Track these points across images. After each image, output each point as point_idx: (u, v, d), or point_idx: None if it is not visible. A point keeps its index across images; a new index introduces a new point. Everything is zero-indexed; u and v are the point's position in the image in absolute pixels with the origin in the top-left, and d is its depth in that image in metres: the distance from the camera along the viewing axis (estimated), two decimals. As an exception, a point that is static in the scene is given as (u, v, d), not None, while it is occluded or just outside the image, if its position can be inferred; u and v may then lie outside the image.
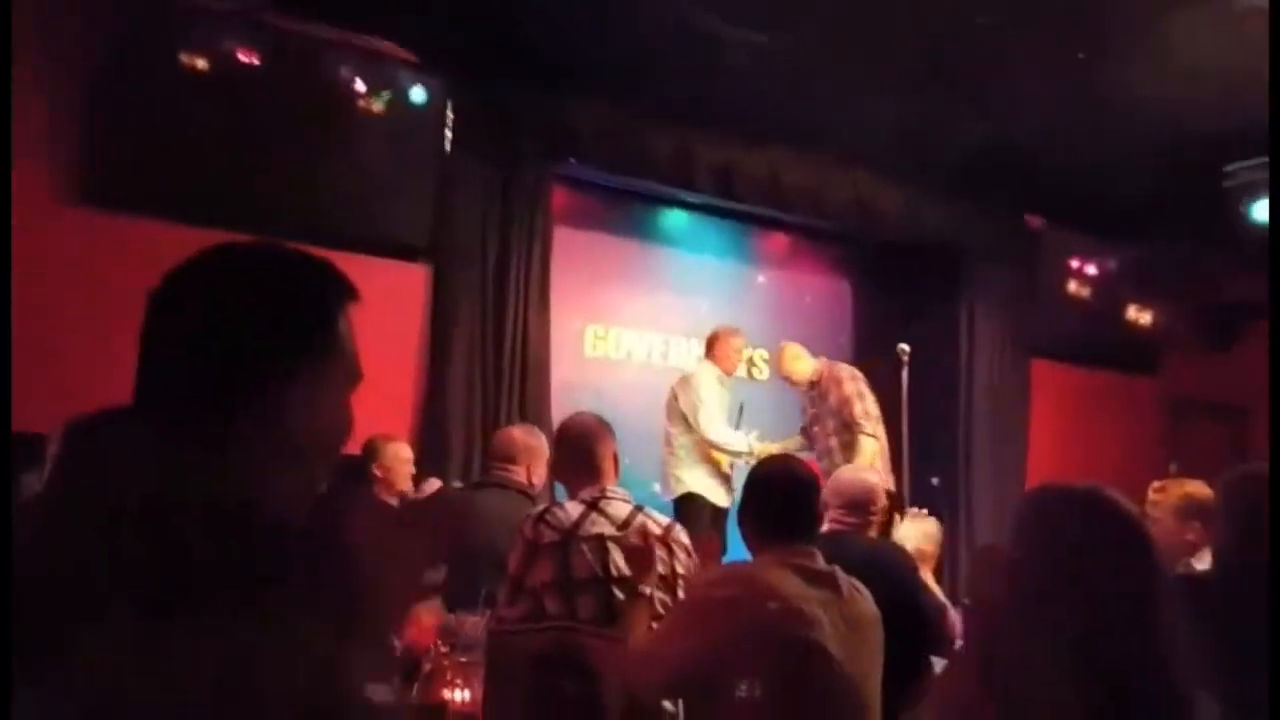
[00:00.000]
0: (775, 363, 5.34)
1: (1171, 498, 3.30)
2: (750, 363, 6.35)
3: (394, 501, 3.89)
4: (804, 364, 5.15)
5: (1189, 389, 7.40)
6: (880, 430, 4.91)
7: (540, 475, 3.37)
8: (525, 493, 3.28)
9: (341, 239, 4.66)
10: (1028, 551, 1.58)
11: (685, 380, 5.06)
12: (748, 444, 4.90)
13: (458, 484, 4.34)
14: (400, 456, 3.98)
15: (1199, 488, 3.26)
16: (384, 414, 4.58)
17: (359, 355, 0.95)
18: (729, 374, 5.15)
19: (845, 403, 4.92)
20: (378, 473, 3.89)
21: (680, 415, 4.96)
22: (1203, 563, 3.07)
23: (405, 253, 4.85)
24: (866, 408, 4.89)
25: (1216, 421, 7.69)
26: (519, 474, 3.31)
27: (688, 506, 4.82)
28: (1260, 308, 7.30)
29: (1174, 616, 1.51)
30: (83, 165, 4.16)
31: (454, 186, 4.89)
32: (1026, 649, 1.48)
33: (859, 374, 5.06)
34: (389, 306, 4.87)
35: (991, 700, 1.48)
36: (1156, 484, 3.43)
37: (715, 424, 4.90)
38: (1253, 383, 7.68)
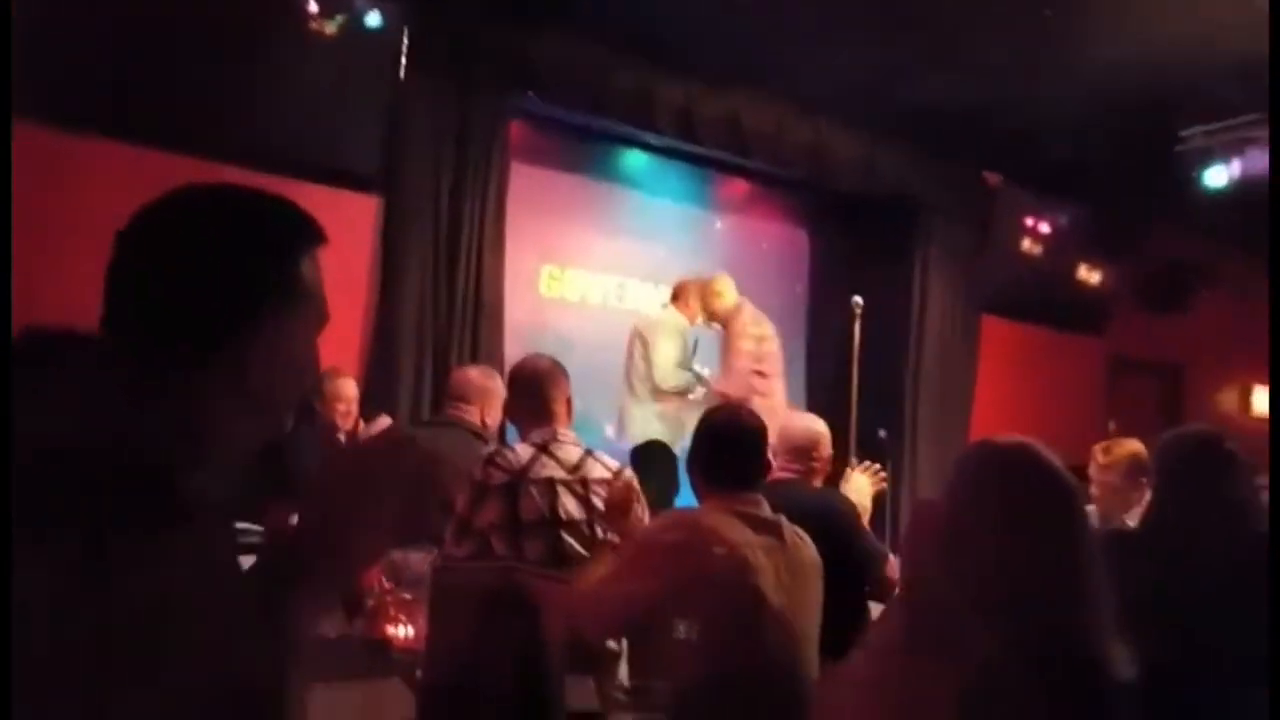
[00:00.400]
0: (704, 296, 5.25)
1: (1120, 457, 3.39)
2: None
3: (341, 438, 3.85)
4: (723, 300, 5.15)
5: (1131, 348, 7.57)
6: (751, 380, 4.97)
7: (495, 417, 3.35)
8: (478, 434, 3.26)
9: (287, 165, 4.52)
10: (958, 504, 1.61)
11: (649, 325, 5.09)
12: (693, 379, 4.98)
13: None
14: (337, 393, 3.92)
15: (1141, 446, 3.35)
16: (328, 350, 4.50)
17: (325, 297, 0.97)
18: (691, 324, 5.16)
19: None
20: (319, 407, 3.84)
21: (642, 359, 4.99)
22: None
23: (354, 183, 4.73)
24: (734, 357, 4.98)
25: (1154, 379, 7.90)
26: (473, 414, 3.28)
27: (648, 450, 4.86)
28: (1204, 271, 7.48)
29: (1098, 570, 1.55)
30: (16, 80, 3.97)
31: (408, 117, 4.75)
32: (953, 599, 1.52)
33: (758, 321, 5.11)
34: (336, 238, 4.74)
35: (918, 647, 1.51)
36: (1102, 444, 3.52)
37: (668, 372, 4.94)
38: (1191, 342, 7.90)
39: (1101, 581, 1.55)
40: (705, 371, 5.07)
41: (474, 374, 3.45)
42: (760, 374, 5.00)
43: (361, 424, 3.93)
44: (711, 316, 5.15)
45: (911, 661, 1.50)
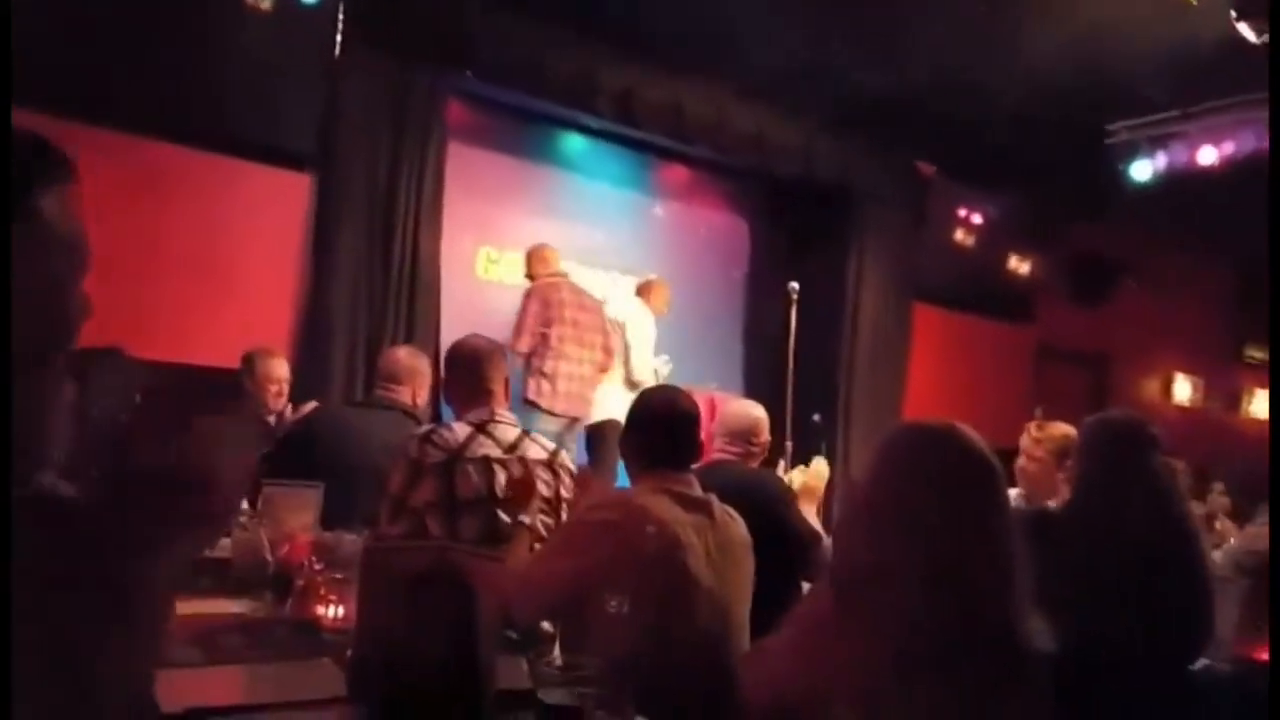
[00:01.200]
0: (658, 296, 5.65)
1: (1050, 439, 3.47)
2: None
3: (271, 419, 3.78)
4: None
5: (1058, 337, 7.78)
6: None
7: (423, 397, 3.35)
8: (410, 414, 3.24)
9: (220, 142, 4.43)
10: (883, 481, 1.65)
11: (632, 320, 5.41)
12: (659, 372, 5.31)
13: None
14: (269, 374, 3.85)
15: (1070, 431, 3.45)
16: (261, 329, 4.43)
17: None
18: (658, 316, 5.49)
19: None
20: (250, 388, 3.77)
21: (622, 346, 5.29)
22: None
23: (289, 160, 4.64)
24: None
25: (1080, 368, 8.13)
26: (404, 395, 3.26)
27: (600, 429, 5.00)
28: (1128, 264, 7.71)
29: (1018, 546, 1.60)
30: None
31: (343, 93, 4.68)
32: (879, 572, 1.55)
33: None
34: (269, 215, 4.68)
35: (846, 619, 1.54)
36: (1034, 424, 3.61)
37: (645, 368, 5.32)
38: (1115, 333, 8.15)
39: (1021, 557, 1.60)
40: (666, 368, 5.41)
41: (403, 354, 3.42)
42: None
43: (290, 407, 3.87)
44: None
45: (839, 633, 1.54)
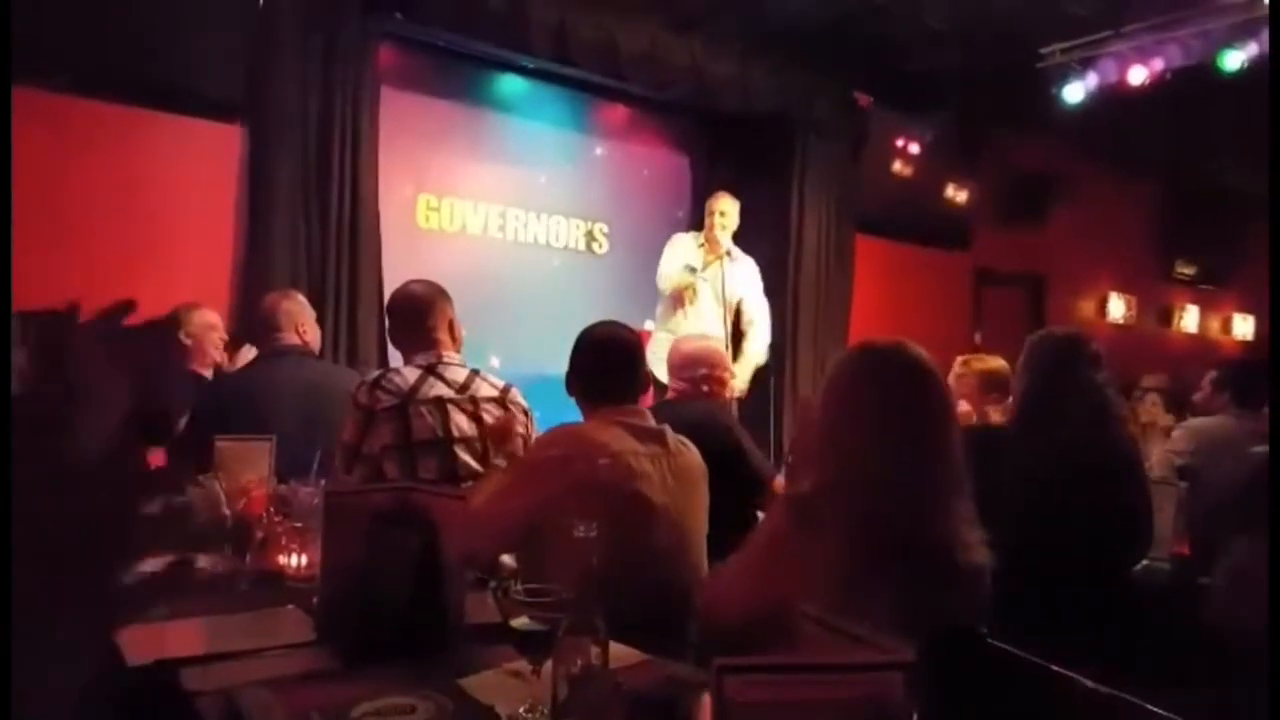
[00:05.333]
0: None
1: (974, 372, 3.59)
2: (590, 236, 6.34)
3: (207, 373, 3.73)
4: None
5: (995, 261, 7.94)
6: None
7: (312, 334, 3.28)
8: (304, 352, 3.21)
9: (143, 92, 4.29)
10: (833, 397, 1.69)
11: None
12: (689, 273, 4.99)
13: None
14: (207, 323, 3.80)
15: (998, 363, 3.57)
16: (198, 284, 4.34)
17: None
18: (708, 243, 5.08)
19: None
20: (187, 342, 3.71)
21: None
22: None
23: (216, 110, 4.50)
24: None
25: (1018, 290, 8.32)
26: (289, 337, 3.19)
27: None
28: (1060, 184, 7.86)
29: (960, 460, 1.66)
30: None
31: (270, 39, 4.52)
32: (830, 486, 1.60)
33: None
34: (200, 169, 4.55)
35: (802, 532, 1.59)
36: (960, 359, 3.71)
37: (664, 276, 5.09)
38: (1050, 254, 8.33)
39: (963, 470, 1.66)
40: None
41: (269, 300, 3.31)
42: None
43: (224, 356, 3.84)
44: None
45: (795, 548, 1.59)
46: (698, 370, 3.29)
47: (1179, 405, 5.00)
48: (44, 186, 3.98)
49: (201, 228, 4.56)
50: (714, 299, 5.02)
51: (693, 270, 4.99)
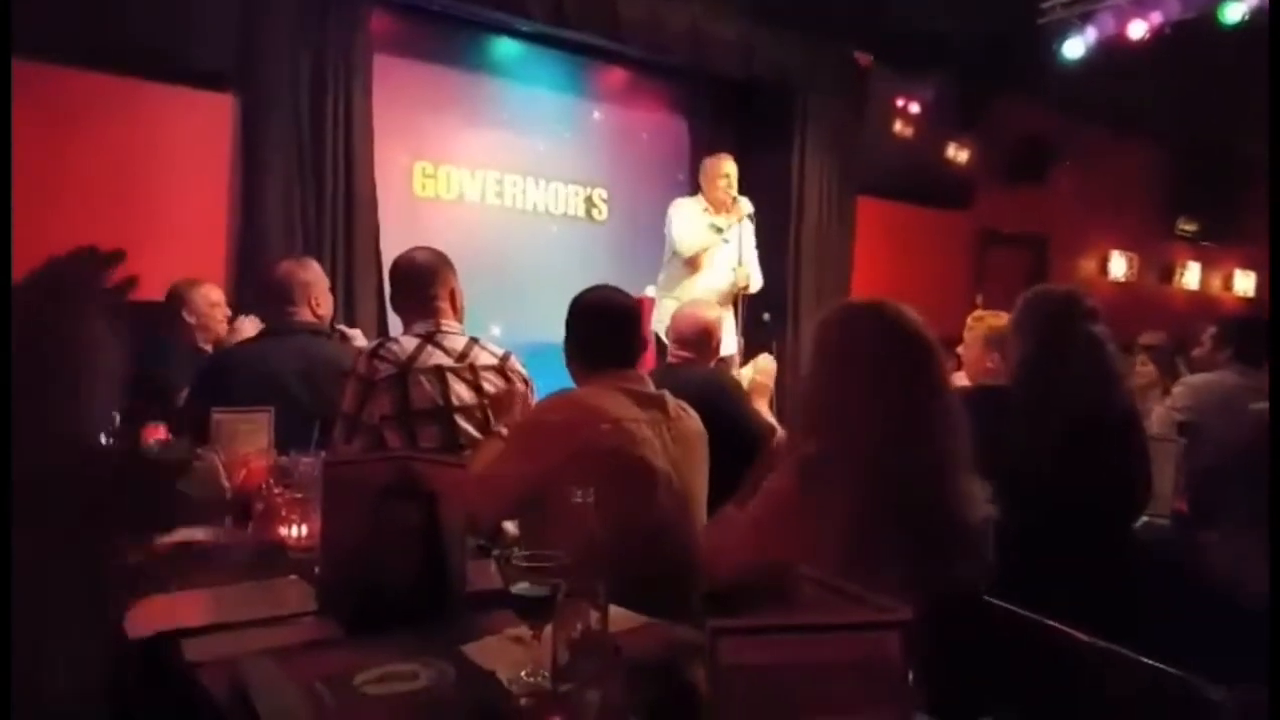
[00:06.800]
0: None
1: (979, 329, 3.58)
2: (589, 202, 6.30)
3: (208, 348, 3.72)
4: None
5: (997, 221, 7.89)
6: None
7: (325, 305, 3.11)
8: (319, 331, 3.06)
9: (134, 64, 4.24)
10: (825, 362, 1.69)
11: (671, 208, 5.02)
12: (712, 231, 4.87)
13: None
14: (210, 300, 3.78)
15: (1002, 321, 3.56)
16: (192, 255, 4.33)
17: None
18: (714, 205, 4.94)
19: None
20: (190, 319, 3.69)
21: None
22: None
23: (208, 80, 4.46)
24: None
25: (1020, 249, 8.29)
26: (303, 313, 3.02)
27: None
28: (1061, 143, 7.79)
29: (957, 415, 1.66)
30: None
31: (261, 6, 4.48)
32: (831, 447, 1.60)
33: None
34: (192, 140, 4.52)
35: (806, 492, 1.60)
36: (972, 315, 3.70)
37: (683, 240, 4.87)
38: (1052, 213, 8.28)
39: (961, 425, 1.66)
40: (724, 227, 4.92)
41: (284, 269, 3.11)
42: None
43: (228, 327, 3.83)
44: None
45: (800, 504, 1.59)
46: (700, 338, 3.29)
47: (1172, 364, 4.97)
48: (33, 158, 3.95)
49: (195, 199, 4.54)
50: (728, 259, 4.98)
51: (719, 230, 4.92)
